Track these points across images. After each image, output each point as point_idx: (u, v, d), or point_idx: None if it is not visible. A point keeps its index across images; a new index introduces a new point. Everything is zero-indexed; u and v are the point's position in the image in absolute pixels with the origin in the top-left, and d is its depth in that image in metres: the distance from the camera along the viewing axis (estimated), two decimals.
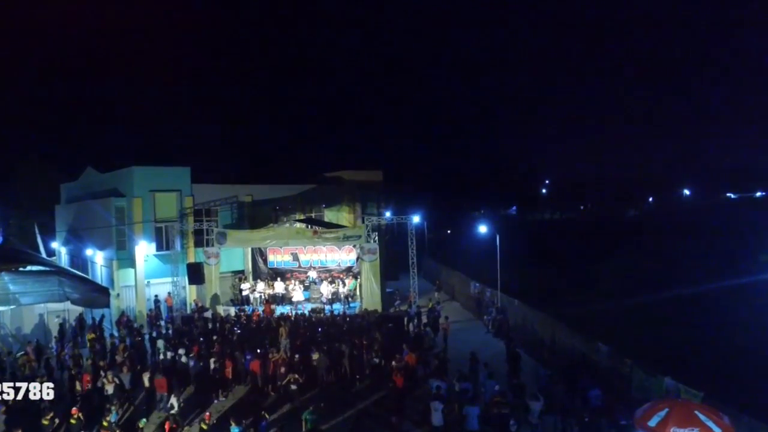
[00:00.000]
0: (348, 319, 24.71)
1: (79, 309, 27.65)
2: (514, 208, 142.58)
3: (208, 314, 26.92)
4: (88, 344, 23.77)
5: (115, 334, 26.55)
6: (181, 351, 20.18)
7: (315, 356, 19.36)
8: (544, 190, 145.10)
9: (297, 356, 19.11)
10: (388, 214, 38.52)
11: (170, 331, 25.62)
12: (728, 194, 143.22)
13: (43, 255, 45.32)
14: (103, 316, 27.66)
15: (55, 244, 44.21)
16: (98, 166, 35.86)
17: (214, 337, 21.93)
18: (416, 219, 43.94)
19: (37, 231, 50.00)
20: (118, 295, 29.47)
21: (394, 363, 18.58)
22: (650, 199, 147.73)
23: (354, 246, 30.00)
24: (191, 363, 19.85)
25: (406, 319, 25.93)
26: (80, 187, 39.12)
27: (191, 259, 29.84)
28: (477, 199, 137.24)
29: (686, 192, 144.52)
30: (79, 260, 35.84)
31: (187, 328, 24.28)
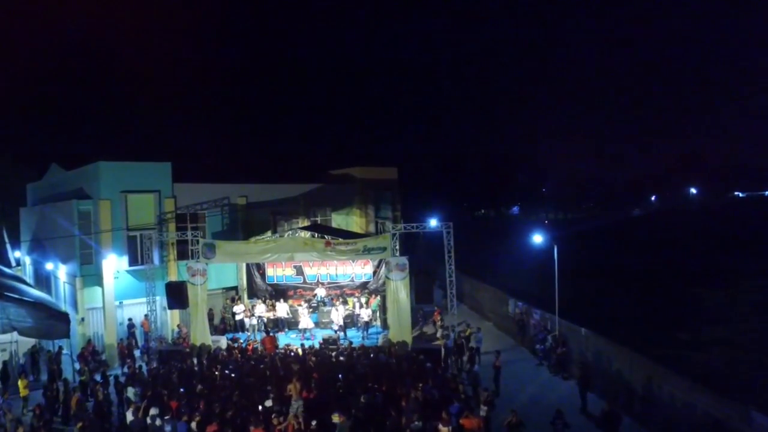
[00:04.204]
0: (372, 355, 19.31)
1: (31, 341, 22.36)
2: (516, 207, 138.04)
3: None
4: (21, 393, 18.40)
5: (77, 367, 21.28)
6: (153, 411, 14.78)
7: (335, 419, 13.99)
8: (543, 189, 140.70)
9: (314, 422, 13.73)
10: (395, 216, 33.29)
11: (144, 368, 20.23)
12: (736, 193, 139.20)
13: (12, 264, 39.95)
14: (60, 348, 22.22)
15: (18, 254, 38.69)
16: (64, 163, 30.30)
17: (199, 387, 16.48)
18: (434, 222, 38.87)
19: (6, 237, 44.31)
20: (82, 319, 24.01)
21: (442, 429, 13.35)
22: (653, 198, 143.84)
23: (370, 260, 24.73)
24: (167, 428, 14.48)
25: (443, 351, 20.62)
26: (45, 187, 33.58)
27: (173, 276, 24.36)
28: (478, 198, 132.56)
29: (693, 191, 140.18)
30: (43, 273, 30.30)
31: (166, 370, 18.79)
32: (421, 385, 16.54)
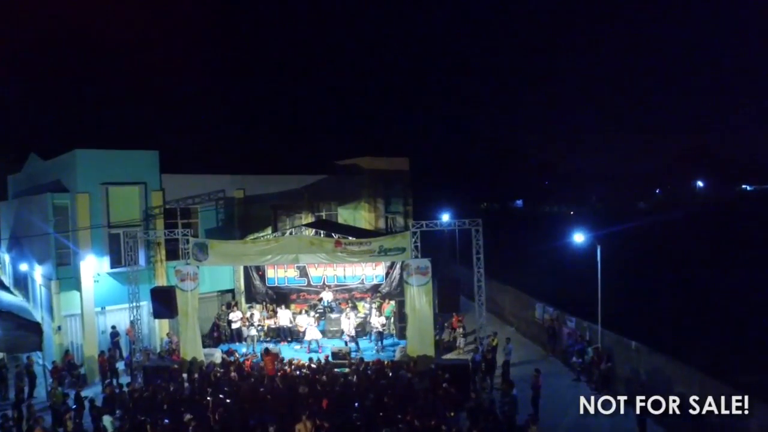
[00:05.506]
0: (391, 374, 16.59)
1: None
2: (520, 201, 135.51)
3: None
4: None
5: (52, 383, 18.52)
6: None
7: None
8: (546, 182, 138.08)
9: None
10: (407, 210, 30.56)
11: (126, 387, 17.48)
12: (744, 186, 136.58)
13: None
14: (30, 360, 19.53)
15: None
16: (42, 152, 27.40)
17: (187, 417, 13.76)
18: (446, 217, 36.10)
19: None
20: (59, 328, 21.23)
21: None
22: (657, 191, 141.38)
23: (381, 262, 21.93)
24: None
25: (470, 365, 17.94)
26: (24, 179, 30.73)
27: (161, 279, 21.60)
28: (481, 191, 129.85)
29: (699, 184, 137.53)
30: (22, 274, 27.48)
31: (150, 392, 16.03)
32: (452, 413, 13.94)
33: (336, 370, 17.63)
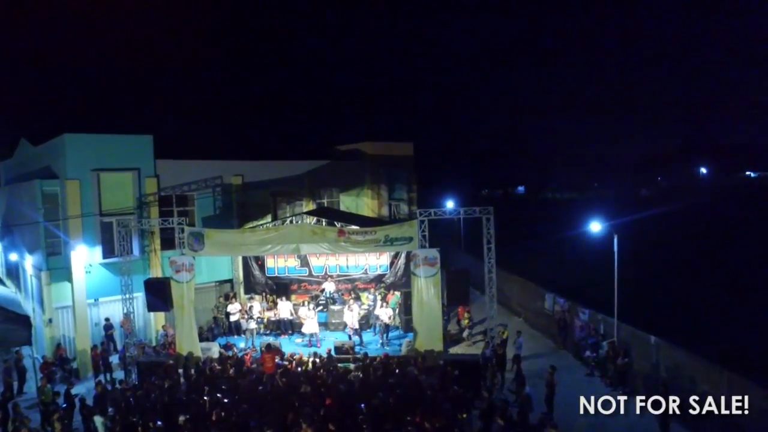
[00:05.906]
0: (397, 370, 15.73)
1: None
2: (522, 187, 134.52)
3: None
4: None
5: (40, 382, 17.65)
6: None
7: None
8: (547, 168, 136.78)
9: None
10: (411, 197, 29.64)
11: (119, 384, 16.68)
12: (748, 172, 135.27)
13: None
14: (18, 354, 18.66)
15: None
16: (32, 137, 26.35)
17: (182, 419, 12.92)
18: (450, 204, 35.23)
19: None
20: (50, 320, 20.34)
21: None
22: (659, 178, 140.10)
23: (385, 252, 20.99)
24: None
25: (480, 360, 17.11)
26: (15, 165, 29.70)
27: (155, 270, 20.68)
28: (482, 177, 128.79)
29: (702, 170, 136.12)
30: (14, 264, 26.55)
31: (143, 391, 15.17)
32: (464, 415, 13.09)
33: (340, 365, 16.79)
